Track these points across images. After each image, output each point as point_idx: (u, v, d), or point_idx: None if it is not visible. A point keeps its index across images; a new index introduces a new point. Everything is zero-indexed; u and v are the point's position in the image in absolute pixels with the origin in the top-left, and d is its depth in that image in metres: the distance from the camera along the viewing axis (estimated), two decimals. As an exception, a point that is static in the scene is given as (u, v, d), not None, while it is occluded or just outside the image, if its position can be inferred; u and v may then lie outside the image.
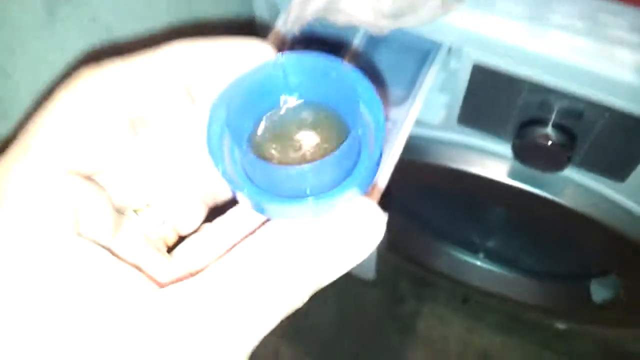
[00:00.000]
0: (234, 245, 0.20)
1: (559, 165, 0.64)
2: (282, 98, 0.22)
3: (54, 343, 0.16)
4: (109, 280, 0.18)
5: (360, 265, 0.21)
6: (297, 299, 0.19)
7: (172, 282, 0.18)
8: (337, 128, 0.22)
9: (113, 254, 0.20)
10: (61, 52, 0.48)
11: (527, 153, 0.64)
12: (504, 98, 0.62)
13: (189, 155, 0.24)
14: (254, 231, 0.20)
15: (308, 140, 0.22)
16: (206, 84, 0.21)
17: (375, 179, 0.21)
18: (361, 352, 1.32)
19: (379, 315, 1.30)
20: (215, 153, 0.20)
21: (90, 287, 0.17)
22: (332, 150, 0.20)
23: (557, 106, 0.61)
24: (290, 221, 0.20)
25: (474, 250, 0.98)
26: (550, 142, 0.61)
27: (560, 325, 1.13)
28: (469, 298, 1.29)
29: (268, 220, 0.21)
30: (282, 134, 0.22)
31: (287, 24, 0.56)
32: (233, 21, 0.72)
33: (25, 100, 0.44)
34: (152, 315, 0.17)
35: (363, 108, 0.21)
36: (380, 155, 0.21)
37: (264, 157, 0.21)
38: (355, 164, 0.21)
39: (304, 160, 0.21)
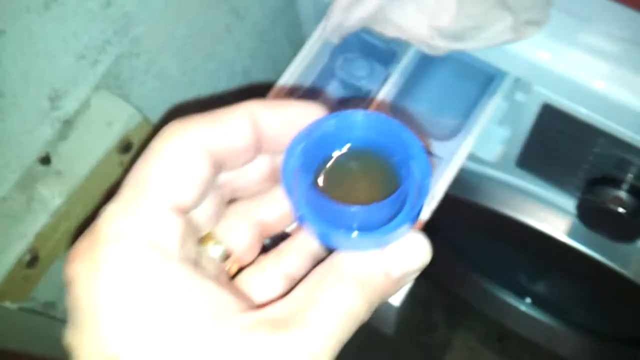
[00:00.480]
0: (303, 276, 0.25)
1: (630, 236, 0.54)
2: (339, 150, 0.26)
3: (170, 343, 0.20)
4: (209, 300, 0.22)
5: (380, 318, 0.27)
6: (366, 317, 0.23)
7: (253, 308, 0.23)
8: (388, 173, 0.25)
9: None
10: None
11: (593, 216, 0.54)
12: (575, 146, 0.52)
13: (256, 196, 0.28)
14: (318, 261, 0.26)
15: (365, 184, 0.25)
16: (273, 135, 0.25)
17: (420, 216, 0.24)
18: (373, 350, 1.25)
19: (404, 341, 1.22)
20: (290, 190, 0.24)
21: (194, 304, 0.22)
22: (384, 195, 0.23)
23: (636, 167, 0.51)
24: (356, 252, 0.24)
25: (520, 293, 0.88)
26: (622, 208, 0.51)
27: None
28: (506, 335, 1.19)
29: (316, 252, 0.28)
30: (342, 179, 0.25)
31: (326, 32, 0.48)
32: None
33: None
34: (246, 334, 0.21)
35: (412, 162, 0.24)
36: (422, 202, 0.23)
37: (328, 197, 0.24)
38: (403, 205, 0.24)
39: (359, 202, 0.23)
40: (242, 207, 0.28)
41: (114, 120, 0.51)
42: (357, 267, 0.23)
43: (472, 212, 0.66)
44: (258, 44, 0.73)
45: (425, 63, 0.57)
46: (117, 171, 0.52)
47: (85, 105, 0.52)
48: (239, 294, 0.25)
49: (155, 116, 0.59)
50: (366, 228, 0.23)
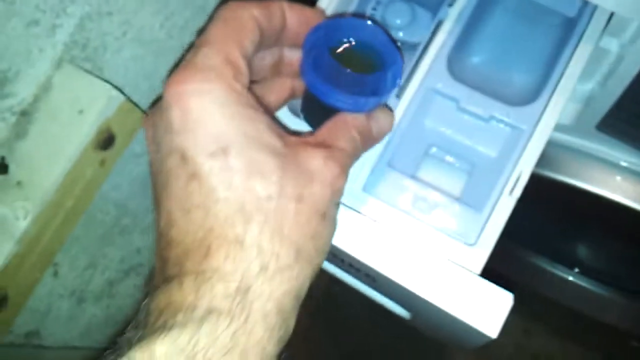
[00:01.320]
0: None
1: None
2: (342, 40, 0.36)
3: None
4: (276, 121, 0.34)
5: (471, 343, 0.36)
6: (361, 153, 0.35)
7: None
8: (376, 62, 0.36)
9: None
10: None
11: None
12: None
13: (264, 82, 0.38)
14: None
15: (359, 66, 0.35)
16: (292, 26, 0.35)
17: (392, 94, 0.38)
18: (398, 345, 1.17)
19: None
20: (306, 59, 0.33)
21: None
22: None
23: None
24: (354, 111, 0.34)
25: (568, 264, 0.79)
26: None
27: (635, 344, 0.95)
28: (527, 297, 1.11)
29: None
30: (345, 61, 0.34)
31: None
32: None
33: None
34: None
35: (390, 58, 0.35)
36: (399, 81, 0.34)
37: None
38: (383, 85, 0.34)
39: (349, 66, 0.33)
40: (265, 89, 0.38)
41: (86, 105, 0.38)
42: (356, 122, 0.34)
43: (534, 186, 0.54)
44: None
45: (483, 4, 0.44)
46: (98, 174, 0.39)
47: (45, 88, 0.38)
48: None
49: (139, 95, 0.46)
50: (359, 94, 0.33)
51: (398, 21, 0.45)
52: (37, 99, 0.38)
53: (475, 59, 0.44)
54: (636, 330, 0.89)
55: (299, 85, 0.38)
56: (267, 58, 0.36)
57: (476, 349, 0.39)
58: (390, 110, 0.37)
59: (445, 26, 0.42)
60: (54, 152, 0.37)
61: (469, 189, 0.41)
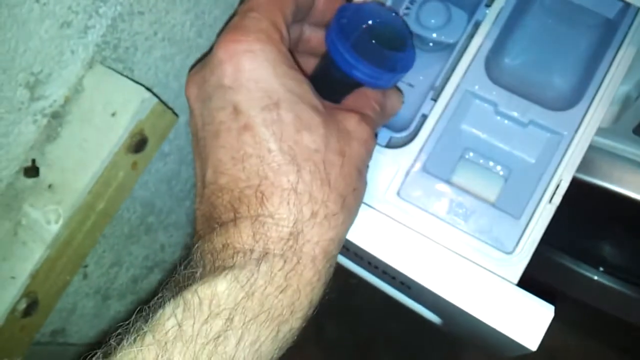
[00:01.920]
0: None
1: None
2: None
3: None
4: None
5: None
6: (392, 116, 0.39)
7: None
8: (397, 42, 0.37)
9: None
10: None
11: None
12: None
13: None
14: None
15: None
16: (321, 5, 0.37)
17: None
18: (410, 335, 1.16)
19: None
20: (338, 29, 0.35)
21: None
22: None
23: None
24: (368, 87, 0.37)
25: (594, 263, 0.78)
26: None
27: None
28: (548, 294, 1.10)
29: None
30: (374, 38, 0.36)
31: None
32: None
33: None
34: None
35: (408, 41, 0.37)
36: (412, 62, 0.37)
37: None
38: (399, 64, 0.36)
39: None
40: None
41: (119, 107, 0.37)
42: (376, 97, 0.37)
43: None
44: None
45: (520, 5, 0.43)
46: (129, 177, 0.38)
47: (76, 90, 0.38)
48: None
49: (168, 94, 0.45)
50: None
51: (433, 21, 0.44)
52: (68, 101, 0.37)
53: (513, 61, 0.43)
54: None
55: (313, 63, 0.39)
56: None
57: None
58: (401, 91, 0.40)
59: (483, 27, 0.41)
60: (86, 155, 0.37)
61: (506, 195, 0.40)
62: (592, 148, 0.49)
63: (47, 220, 0.36)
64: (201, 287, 0.26)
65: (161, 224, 0.58)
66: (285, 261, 0.28)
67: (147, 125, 0.37)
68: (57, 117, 0.37)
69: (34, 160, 0.37)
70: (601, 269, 0.78)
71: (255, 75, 0.30)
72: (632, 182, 0.53)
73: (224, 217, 0.30)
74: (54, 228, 0.36)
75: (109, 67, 0.39)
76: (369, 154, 0.34)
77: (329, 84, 0.37)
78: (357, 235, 0.36)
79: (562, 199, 0.37)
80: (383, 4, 0.43)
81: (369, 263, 0.38)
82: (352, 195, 0.32)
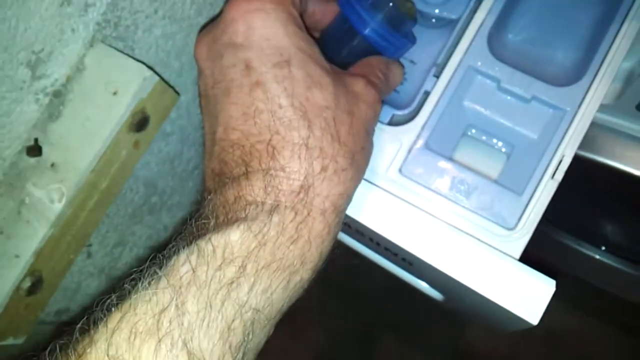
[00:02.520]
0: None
1: None
2: None
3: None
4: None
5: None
6: (384, 95, 0.37)
7: None
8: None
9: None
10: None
11: None
12: None
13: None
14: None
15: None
16: None
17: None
18: (413, 314, 1.17)
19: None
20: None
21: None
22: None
23: None
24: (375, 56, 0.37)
25: (596, 242, 0.78)
26: None
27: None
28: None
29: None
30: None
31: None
32: None
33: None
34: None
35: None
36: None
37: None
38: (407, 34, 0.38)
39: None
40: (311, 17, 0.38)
41: (120, 86, 0.37)
42: (381, 65, 0.37)
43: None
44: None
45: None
46: (132, 156, 0.38)
47: (78, 69, 0.38)
48: None
49: (169, 72, 0.45)
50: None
51: (434, -3, 0.44)
52: (70, 79, 0.37)
53: (515, 37, 0.43)
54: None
55: (315, 37, 0.39)
56: None
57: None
58: (402, 65, 0.40)
59: (486, 2, 0.41)
60: (88, 134, 0.37)
61: (509, 172, 0.40)
62: (594, 125, 0.49)
63: (50, 199, 0.36)
64: (215, 235, 0.27)
65: (164, 205, 0.58)
66: (296, 213, 0.29)
67: (149, 104, 0.37)
68: (59, 96, 0.37)
69: (36, 139, 0.37)
70: (603, 247, 0.78)
71: (267, 33, 0.31)
72: (634, 159, 0.53)
73: (235, 171, 0.30)
74: (58, 207, 0.36)
75: (110, 46, 0.39)
76: (375, 117, 0.34)
77: (337, 49, 0.37)
78: (359, 211, 0.36)
79: (564, 177, 0.38)
80: None
81: (371, 240, 0.38)
82: (360, 154, 0.32)
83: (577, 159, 0.54)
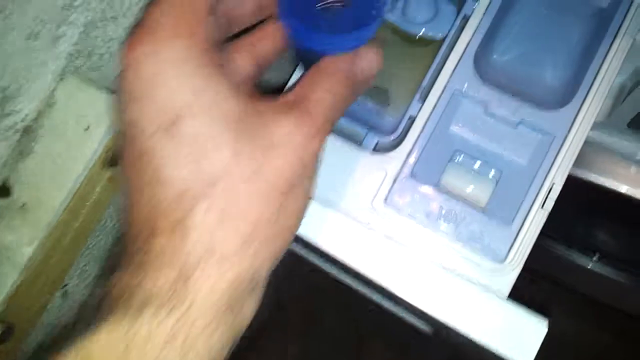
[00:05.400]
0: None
1: None
2: None
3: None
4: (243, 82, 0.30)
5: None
6: (350, 101, 0.31)
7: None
8: None
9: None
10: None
11: None
12: None
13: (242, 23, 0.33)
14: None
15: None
16: None
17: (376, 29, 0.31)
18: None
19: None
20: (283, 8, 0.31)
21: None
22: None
23: None
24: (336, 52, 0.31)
25: (587, 251, 0.77)
26: None
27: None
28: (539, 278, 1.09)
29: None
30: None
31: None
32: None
33: None
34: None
35: None
36: (385, 7, 0.31)
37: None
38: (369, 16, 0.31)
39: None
40: (243, 40, 0.32)
41: (92, 120, 0.36)
42: (340, 66, 0.31)
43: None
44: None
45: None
46: (106, 191, 0.37)
47: (48, 104, 0.36)
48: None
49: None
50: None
51: (419, 16, 0.42)
52: (41, 115, 0.36)
53: (502, 57, 0.42)
54: None
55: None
56: (247, 1, 0.32)
57: None
58: (379, 46, 0.33)
59: (472, 22, 0.40)
60: (60, 172, 0.35)
61: (497, 199, 0.39)
62: (584, 142, 0.48)
63: (20, 243, 0.34)
64: (79, 339, 0.23)
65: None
66: (172, 308, 0.24)
67: (123, 137, 0.36)
68: (29, 132, 0.36)
69: (5, 180, 0.35)
70: (595, 257, 0.78)
71: (155, 84, 0.26)
72: (624, 176, 0.52)
73: (120, 257, 0.26)
74: (28, 250, 0.34)
75: (82, 78, 0.37)
76: (308, 161, 0.28)
77: (302, 55, 0.34)
78: (344, 248, 0.35)
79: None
80: None
81: (358, 276, 0.37)
82: (267, 225, 0.27)
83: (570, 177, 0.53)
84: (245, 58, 0.32)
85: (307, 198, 0.29)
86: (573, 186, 0.54)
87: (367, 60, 0.32)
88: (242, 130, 0.26)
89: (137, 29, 0.27)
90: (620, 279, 0.78)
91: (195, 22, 0.27)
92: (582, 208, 0.69)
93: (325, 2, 0.31)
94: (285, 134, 0.27)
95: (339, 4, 0.32)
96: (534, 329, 0.32)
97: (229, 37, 0.32)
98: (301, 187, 0.28)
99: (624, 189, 0.53)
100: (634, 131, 0.46)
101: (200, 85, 0.26)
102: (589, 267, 0.77)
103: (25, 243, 0.34)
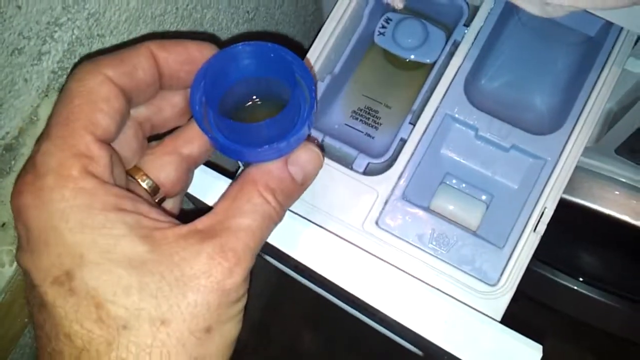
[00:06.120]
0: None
1: None
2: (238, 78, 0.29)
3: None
4: (145, 215, 0.26)
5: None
6: (281, 219, 0.29)
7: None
8: (282, 94, 0.30)
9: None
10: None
11: None
12: None
13: (168, 128, 0.32)
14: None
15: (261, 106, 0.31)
16: (171, 72, 0.29)
17: (309, 130, 0.29)
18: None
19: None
20: (198, 118, 0.28)
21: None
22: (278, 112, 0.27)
23: None
24: (262, 163, 0.29)
25: (574, 274, 0.77)
26: None
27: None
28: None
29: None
30: (241, 106, 0.31)
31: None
32: None
33: None
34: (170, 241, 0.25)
35: (298, 78, 0.28)
36: (312, 110, 0.28)
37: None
38: (298, 117, 0.28)
39: (262, 119, 0.27)
40: (170, 144, 0.31)
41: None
42: (267, 177, 0.28)
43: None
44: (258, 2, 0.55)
45: (500, 24, 0.41)
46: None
47: (31, 121, 0.35)
48: (168, 214, 0.28)
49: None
50: (269, 142, 0.27)
51: (409, 40, 0.42)
52: (22, 132, 0.35)
53: (493, 83, 0.42)
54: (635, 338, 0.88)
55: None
56: (174, 101, 0.31)
57: None
58: (318, 145, 0.31)
59: (462, 48, 0.40)
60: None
61: (489, 222, 0.38)
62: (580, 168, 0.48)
63: (0, 263, 0.33)
64: None
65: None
66: None
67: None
68: (10, 150, 0.35)
69: (-15, 198, 0.34)
70: (580, 279, 0.78)
71: (45, 235, 0.24)
72: (612, 201, 0.52)
73: None
74: (9, 271, 0.33)
75: (67, 95, 0.36)
76: (221, 301, 0.25)
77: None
78: (335, 270, 0.34)
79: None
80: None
81: (347, 297, 0.36)
82: None
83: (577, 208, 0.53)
84: (171, 161, 0.31)
85: (231, 339, 0.26)
86: (561, 210, 0.54)
87: (303, 163, 0.30)
88: (145, 270, 0.24)
89: (23, 172, 0.25)
90: (605, 300, 0.78)
91: (87, 158, 0.25)
92: (568, 232, 0.69)
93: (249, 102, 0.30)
94: (199, 271, 0.24)
95: (256, 100, 0.31)
96: (528, 355, 0.31)
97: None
98: (221, 329, 0.25)
99: (612, 214, 0.53)
100: (621, 157, 0.46)
101: (91, 236, 0.24)
102: (574, 289, 0.77)
103: (6, 262, 0.33)
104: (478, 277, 0.35)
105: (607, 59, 0.39)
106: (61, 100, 0.27)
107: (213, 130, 0.28)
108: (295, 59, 0.28)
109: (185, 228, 0.26)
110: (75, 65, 0.36)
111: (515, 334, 0.32)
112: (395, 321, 0.33)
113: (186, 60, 0.29)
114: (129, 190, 0.27)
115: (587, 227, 0.61)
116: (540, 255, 0.78)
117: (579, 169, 0.51)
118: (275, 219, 0.28)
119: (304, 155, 0.30)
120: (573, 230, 0.69)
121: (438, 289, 0.34)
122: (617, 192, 0.52)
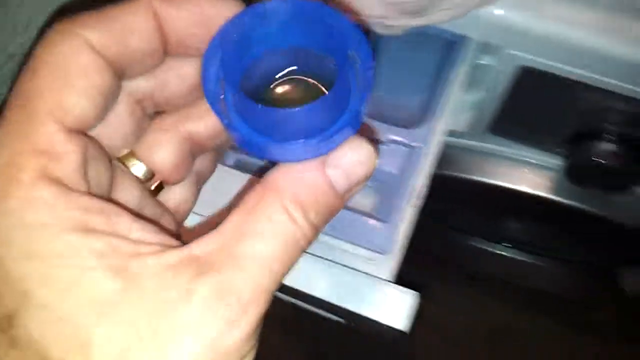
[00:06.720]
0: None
1: (621, 186, 0.51)
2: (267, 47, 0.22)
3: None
4: (122, 236, 0.19)
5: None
6: (311, 244, 0.21)
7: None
8: (325, 72, 0.22)
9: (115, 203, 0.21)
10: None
11: (582, 173, 0.50)
12: (556, 105, 0.48)
13: (175, 105, 0.25)
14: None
15: (298, 85, 0.23)
16: (181, 37, 0.22)
17: (359, 124, 0.22)
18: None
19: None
20: (212, 97, 0.21)
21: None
22: (321, 94, 0.22)
23: (622, 115, 0.47)
24: (292, 163, 0.21)
25: (497, 240, 0.87)
26: (612, 160, 0.47)
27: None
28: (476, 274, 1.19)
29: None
30: (269, 82, 0.23)
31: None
32: None
33: None
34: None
35: (351, 51, 0.21)
36: (366, 95, 0.21)
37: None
38: (346, 105, 0.21)
39: (295, 104, 0.20)
40: (168, 120, 0.25)
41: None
42: (296, 184, 0.21)
43: (445, 183, 0.61)
44: None
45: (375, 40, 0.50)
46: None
47: None
48: (163, 219, 0.25)
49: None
50: (304, 136, 0.20)
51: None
52: None
53: (378, 92, 0.50)
54: (568, 294, 0.98)
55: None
56: (183, 71, 0.24)
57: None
58: (371, 140, 0.23)
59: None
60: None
61: (380, 205, 0.47)
62: (462, 149, 0.57)
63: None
64: None
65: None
66: None
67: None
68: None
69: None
70: (506, 244, 0.88)
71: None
72: (504, 174, 0.61)
73: None
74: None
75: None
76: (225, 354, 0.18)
77: None
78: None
79: (451, 194, 0.43)
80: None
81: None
82: None
83: (458, 180, 0.62)
84: (168, 140, 0.25)
85: None
86: (465, 188, 0.63)
87: (350, 165, 0.22)
88: (115, 321, 0.18)
89: None
90: (533, 261, 0.88)
91: (43, 158, 0.19)
92: (480, 206, 0.78)
93: (277, 80, 0.23)
94: (187, 323, 0.18)
95: (291, 78, 0.23)
96: (408, 300, 0.40)
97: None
98: None
99: (506, 185, 0.62)
100: (498, 136, 0.56)
101: (42, 262, 0.18)
102: (504, 254, 0.88)
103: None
104: (370, 248, 0.43)
105: (461, 58, 0.47)
106: (25, 73, 0.20)
107: (230, 116, 0.21)
108: (349, 25, 0.21)
109: (176, 254, 0.19)
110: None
111: (396, 286, 0.40)
112: (303, 292, 0.41)
113: (199, 21, 0.22)
114: (109, 198, 0.22)
115: (493, 200, 0.70)
116: (465, 228, 0.88)
117: (470, 151, 0.60)
118: (302, 245, 0.21)
119: (351, 154, 0.22)
120: (499, 208, 0.78)
121: (338, 263, 0.42)
122: (525, 170, 0.61)
